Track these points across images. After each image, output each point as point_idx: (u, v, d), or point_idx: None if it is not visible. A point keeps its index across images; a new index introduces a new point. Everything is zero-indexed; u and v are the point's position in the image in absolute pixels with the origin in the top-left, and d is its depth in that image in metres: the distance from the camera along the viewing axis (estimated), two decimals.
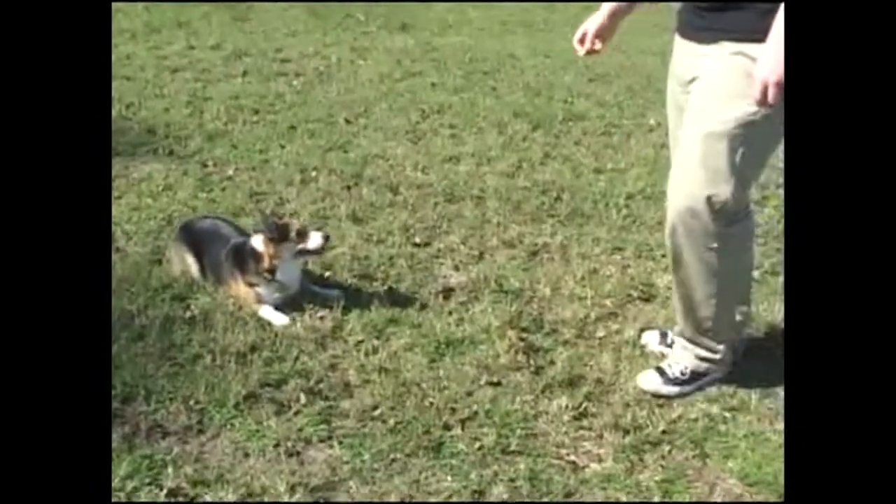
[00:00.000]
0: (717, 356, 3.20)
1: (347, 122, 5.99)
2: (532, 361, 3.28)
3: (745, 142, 2.84)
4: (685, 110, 3.03)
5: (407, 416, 2.92)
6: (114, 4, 9.06)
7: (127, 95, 6.26)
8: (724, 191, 2.87)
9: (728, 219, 2.93)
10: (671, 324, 3.38)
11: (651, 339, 3.47)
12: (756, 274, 3.68)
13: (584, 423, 2.98)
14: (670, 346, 3.35)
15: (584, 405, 3.06)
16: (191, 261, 3.72)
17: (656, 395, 3.13)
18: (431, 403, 2.99)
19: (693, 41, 2.99)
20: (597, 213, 4.66)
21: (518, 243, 4.27)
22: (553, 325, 3.55)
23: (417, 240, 4.23)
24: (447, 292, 3.73)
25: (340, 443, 2.79)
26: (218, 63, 7.40)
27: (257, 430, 2.82)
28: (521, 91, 7.11)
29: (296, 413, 2.91)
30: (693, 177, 2.89)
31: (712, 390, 3.19)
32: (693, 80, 2.98)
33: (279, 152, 5.28)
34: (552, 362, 3.30)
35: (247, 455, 2.72)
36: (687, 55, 3.03)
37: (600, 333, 3.51)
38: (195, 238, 3.77)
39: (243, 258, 3.59)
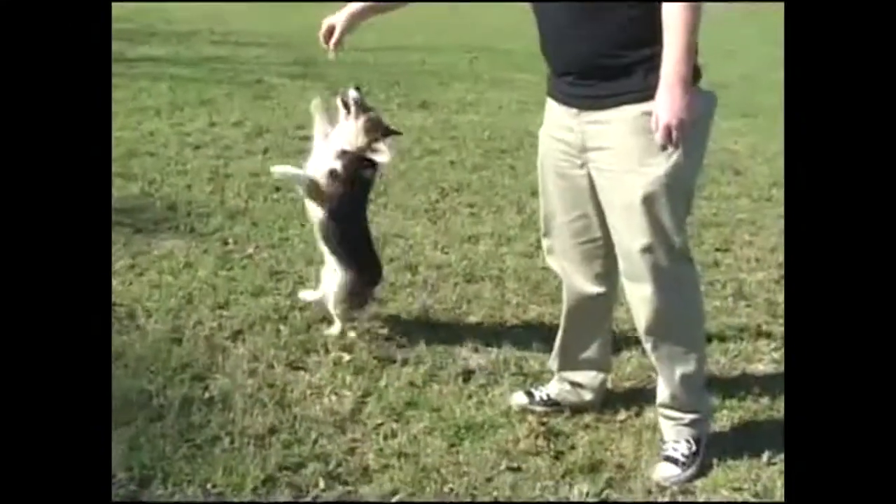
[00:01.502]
0: (705, 412, 3.24)
1: None
2: (552, 446, 3.25)
3: (679, 185, 2.93)
4: (567, 175, 3.13)
5: (426, 502, 2.89)
6: (138, 84, 9.29)
7: (150, 172, 6.33)
8: (677, 236, 2.97)
9: (686, 257, 3.06)
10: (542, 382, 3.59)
11: (520, 400, 3.52)
12: None
13: None
14: (541, 402, 3.49)
15: (605, 491, 3.02)
16: None
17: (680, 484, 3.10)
18: (451, 489, 2.96)
19: (581, 108, 3.00)
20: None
21: (538, 325, 4.26)
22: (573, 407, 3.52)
23: (437, 321, 4.23)
24: (467, 375, 3.71)
25: None
26: (240, 140, 7.50)
27: None
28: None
29: (314, 498, 2.88)
30: (648, 239, 2.94)
31: (737, 474, 3.14)
32: (595, 148, 2.99)
33: (299, 230, 5.31)
34: (573, 447, 3.27)
35: None
36: (577, 122, 3.03)
37: (621, 417, 3.48)
38: None
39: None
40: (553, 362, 3.54)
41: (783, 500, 2.93)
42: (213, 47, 12.73)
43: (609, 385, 3.59)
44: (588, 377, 3.47)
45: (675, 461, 3.15)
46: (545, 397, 3.50)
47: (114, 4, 10.55)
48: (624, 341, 4.05)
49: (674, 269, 3.00)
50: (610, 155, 2.96)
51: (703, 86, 2.91)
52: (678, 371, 3.13)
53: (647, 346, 3.17)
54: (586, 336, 3.44)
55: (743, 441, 3.33)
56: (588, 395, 3.48)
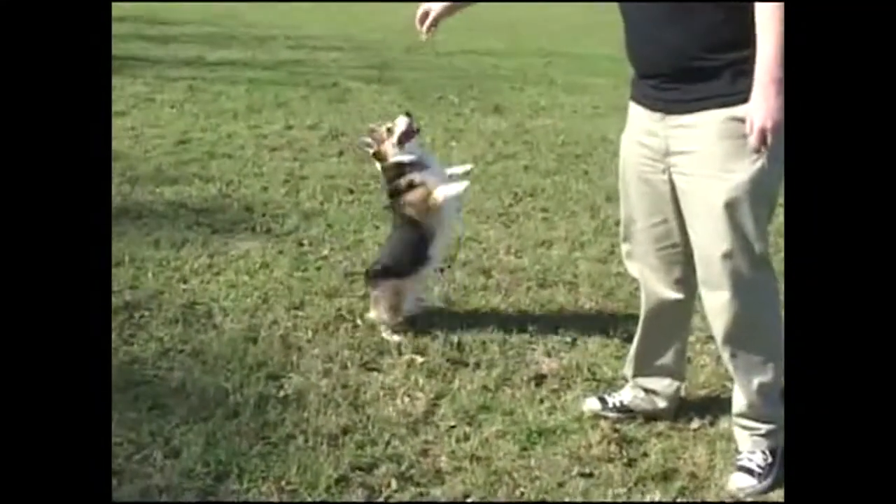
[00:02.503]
0: (781, 422, 3.13)
1: None
2: (625, 453, 3.23)
3: (762, 191, 2.90)
4: (649, 181, 3.11)
5: None
6: (217, 87, 9.45)
7: (227, 173, 6.44)
8: (758, 243, 2.94)
9: (766, 265, 3.01)
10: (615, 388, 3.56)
11: (592, 406, 3.49)
12: None
13: None
14: (614, 409, 3.46)
15: (678, 501, 2.99)
16: None
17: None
18: (523, 493, 2.96)
19: (665, 112, 2.98)
20: None
21: (611, 331, 4.23)
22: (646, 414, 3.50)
23: (510, 325, 4.24)
24: (539, 379, 3.71)
25: None
26: (315, 143, 7.58)
27: None
28: (614, 174, 7.03)
29: (387, 499, 2.90)
30: (729, 244, 2.92)
31: None
32: (678, 152, 2.97)
33: (373, 232, 5.35)
34: (645, 454, 3.24)
35: None
36: (661, 127, 3.00)
37: (694, 425, 3.44)
38: None
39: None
40: (627, 369, 3.52)
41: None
42: (290, 51, 12.89)
43: (683, 393, 3.55)
44: (662, 384, 3.44)
45: (750, 472, 3.11)
46: (618, 404, 3.48)
47: (193, 6, 10.56)
48: (699, 349, 4.01)
49: (753, 276, 2.96)
50: (693, 159, 2.93)
51: None
52: (755, 381, 3.08)
53: (725, 355, 3.13)
54: (663, 343, 3.41)
55: None
56: (662, 403, 3.46)
